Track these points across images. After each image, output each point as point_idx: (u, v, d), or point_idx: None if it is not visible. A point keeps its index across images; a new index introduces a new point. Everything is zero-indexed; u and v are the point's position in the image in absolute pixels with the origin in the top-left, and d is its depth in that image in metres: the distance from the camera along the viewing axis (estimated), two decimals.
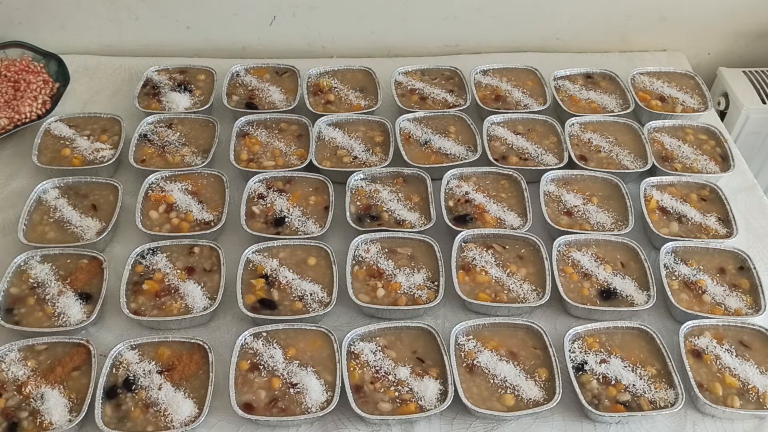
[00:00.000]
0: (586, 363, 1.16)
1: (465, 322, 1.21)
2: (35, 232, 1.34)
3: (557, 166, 1.47)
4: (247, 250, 1.29)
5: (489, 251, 1.32)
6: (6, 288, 1.24)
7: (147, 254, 1.29)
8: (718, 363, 1.18)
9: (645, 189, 1.43)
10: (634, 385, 1.14)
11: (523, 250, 1.32)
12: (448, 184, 1.43)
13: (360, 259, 1.30)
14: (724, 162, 1.52)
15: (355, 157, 1.48)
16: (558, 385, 1.13)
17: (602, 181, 1.45)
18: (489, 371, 1.15)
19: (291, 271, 1.28)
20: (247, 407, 1.10)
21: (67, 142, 1.50)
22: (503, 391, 1.13)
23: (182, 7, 1.75)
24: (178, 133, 1.52)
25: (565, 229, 1.35)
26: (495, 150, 1.51)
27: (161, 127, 1.54)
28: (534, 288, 1.27)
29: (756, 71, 1.83)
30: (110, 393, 1.12)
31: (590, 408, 1.10)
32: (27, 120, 1.54)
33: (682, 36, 1.87)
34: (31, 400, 1.10)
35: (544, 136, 1.54)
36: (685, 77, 1.71)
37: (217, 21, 1.78)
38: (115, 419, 1.09)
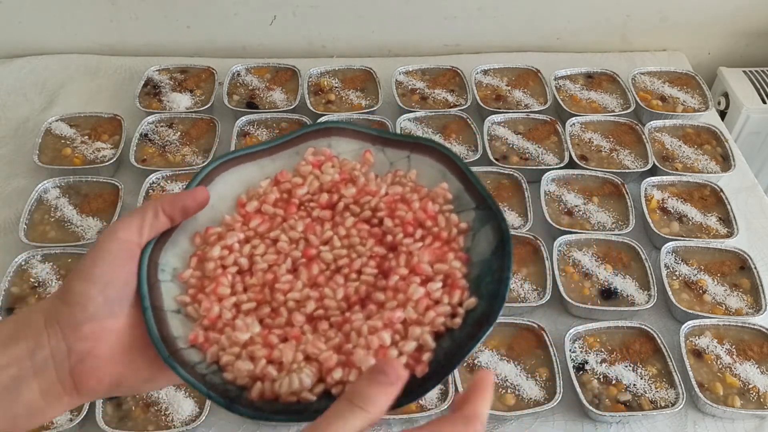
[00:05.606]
0: (587, 362, 1.17)
1: None
2: (36, 231, 1.34)
3: (558, 166, 1.47)
4: None
5: None
6: (7, 287, 1.24)
7: None
8: (718, 363, 1.18)
9: (646, 189, 1.43)
10: (634, 384, 1.14)
11: (523, 250, 1.32)
12: None
13: None
14: (725, 162, 1.52)
15: None
16: (558, 384, 1.13)
17: (603, 180, 1.45)
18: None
19: None
20: None
21: (68, 142, 1.50)
22: (504, 391, 1.13)
23: (182, 7, 1.75)
24: (179, 133, 1.52)
25: (566, 229, 1.35)
26: (496, 150, 1.51)
27: (162, 126, 1.54)
28: (534, 288, 1.27)
29: (756, 71, 1.83)
30: None
31: (591, 407, 1.10)
32: None
33: (683, 36, 1.87)
34: None
35: (545, 136, 1.54)
36: (686, 77, 1.71)
37: (217, 21, 1.78)
38: (116, 418, 1.09)
